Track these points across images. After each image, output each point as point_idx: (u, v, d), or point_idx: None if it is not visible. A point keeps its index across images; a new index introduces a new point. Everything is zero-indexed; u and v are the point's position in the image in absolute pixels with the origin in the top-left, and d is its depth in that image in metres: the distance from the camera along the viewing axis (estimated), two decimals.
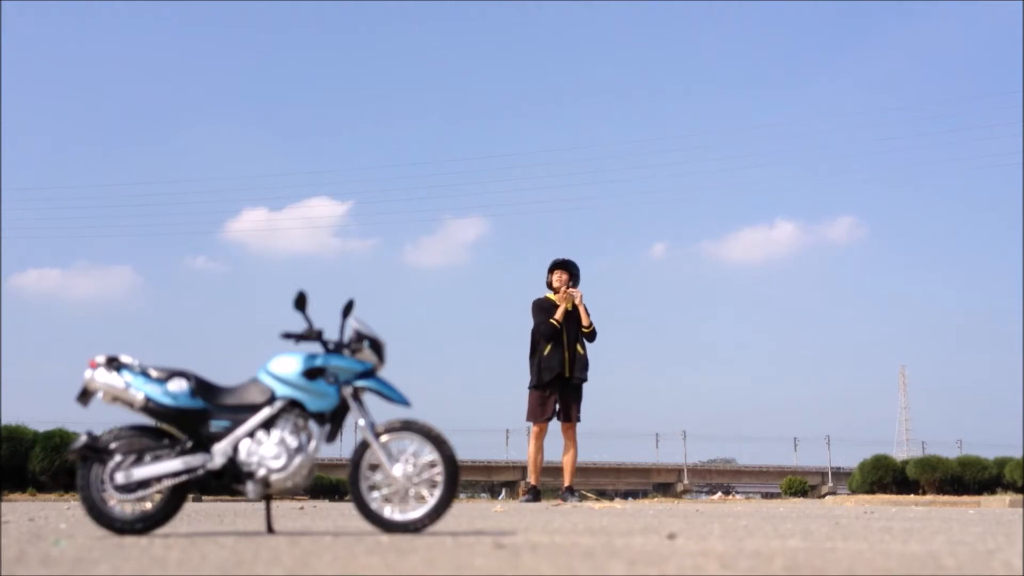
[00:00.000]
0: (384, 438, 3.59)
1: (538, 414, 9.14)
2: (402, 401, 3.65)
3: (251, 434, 3.57)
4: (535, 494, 9.22)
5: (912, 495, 25.85)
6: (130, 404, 3.58)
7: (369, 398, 3.68)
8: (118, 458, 3.52)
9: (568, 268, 9.26)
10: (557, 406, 9.11)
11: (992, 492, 24.69)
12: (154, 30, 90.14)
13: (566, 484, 9.28)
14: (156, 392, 3.57)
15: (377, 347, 3.72)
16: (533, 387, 9.16)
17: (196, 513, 6.26)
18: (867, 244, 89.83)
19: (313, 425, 3.64)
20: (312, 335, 3.66)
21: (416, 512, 3.50)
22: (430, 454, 3.56)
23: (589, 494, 9.44)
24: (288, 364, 3.64)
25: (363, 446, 3.61)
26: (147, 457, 3.55)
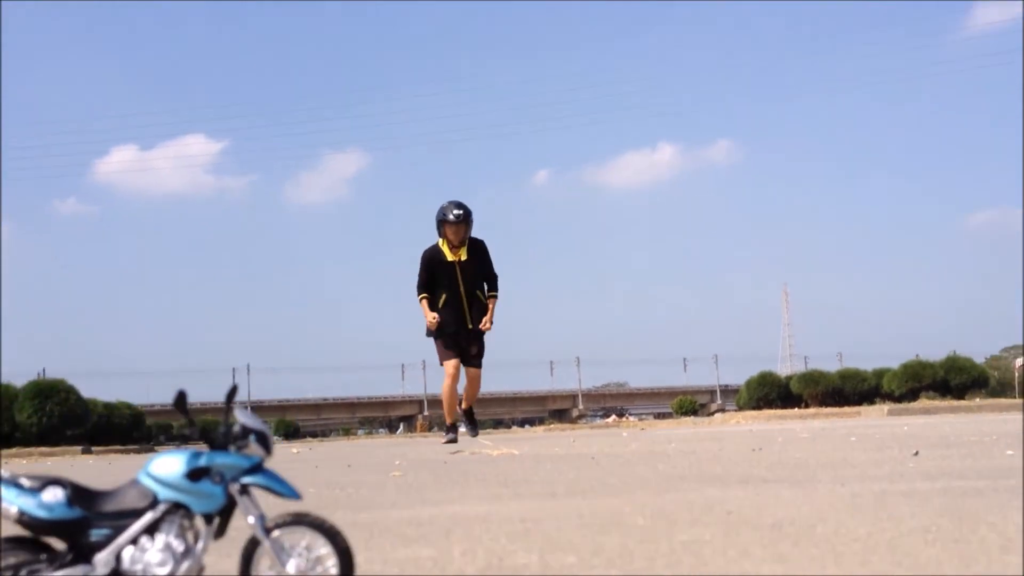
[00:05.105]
0: (275, 533, 3.52)
1: (449, 355, 9.20)
2: (292, 495, 3.57)
3: (134, 541, 3.46)
4: (455, 432, 9.36)
5: (796, 408, 27.11)
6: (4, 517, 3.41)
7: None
8: None
9: (467, 220, 8.99)
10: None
11: (871, 402, 26.05)
12: None
13: (464, 407, 9.44)
14: (30, 505, 3.39)
15: (264, 440, 3.61)
16: (429, 335, 9.20)
17: None
18: (745, 165, 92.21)
19: (201, 522, 3.54)
20: (194, 435, 3.54)
21: None
22: (323, 547, 3.51)
23: (487, 442, 9.39)
24: (170, 465, 3.50)
25: (253, 542, 3.54)
26: (23, 573, 3.40)
